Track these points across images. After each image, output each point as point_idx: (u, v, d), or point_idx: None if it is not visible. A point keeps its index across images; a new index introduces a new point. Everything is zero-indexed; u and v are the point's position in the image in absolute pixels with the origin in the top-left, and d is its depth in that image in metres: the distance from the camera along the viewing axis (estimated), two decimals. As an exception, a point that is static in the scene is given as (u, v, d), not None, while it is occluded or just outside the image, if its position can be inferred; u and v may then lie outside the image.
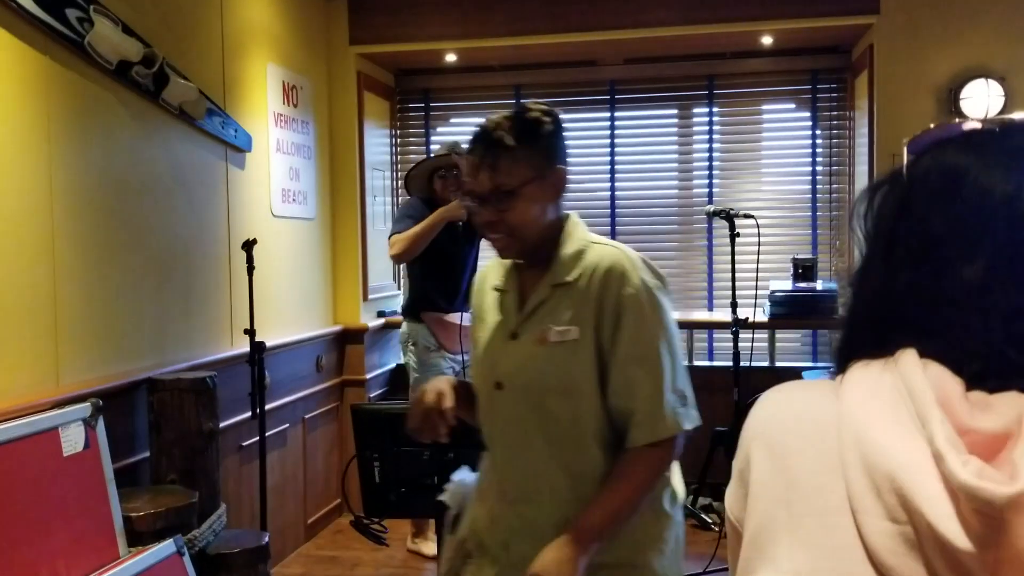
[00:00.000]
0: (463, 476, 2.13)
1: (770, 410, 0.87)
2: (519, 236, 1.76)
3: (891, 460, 0.72)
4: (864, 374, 0.80)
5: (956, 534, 0.68)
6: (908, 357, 0.77)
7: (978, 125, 0.87)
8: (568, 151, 1.83)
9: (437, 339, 4.35)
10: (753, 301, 4.38)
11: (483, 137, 1.75)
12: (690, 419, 1.76)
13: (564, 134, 1.81)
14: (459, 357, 4.33)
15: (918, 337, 0.79)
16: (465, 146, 4.45)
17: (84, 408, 2.64)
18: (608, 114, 5.48)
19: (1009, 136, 0.84)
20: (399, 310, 5.48)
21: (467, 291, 4.34)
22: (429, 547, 4.32)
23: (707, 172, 5.38)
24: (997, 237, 0.78)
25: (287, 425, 4.42)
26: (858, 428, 0.76)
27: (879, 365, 0.80)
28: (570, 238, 1.80)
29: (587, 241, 1.80)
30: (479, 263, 4.42)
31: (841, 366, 0.84)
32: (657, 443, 1.73)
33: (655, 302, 1.74)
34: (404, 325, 4.48)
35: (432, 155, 4.50)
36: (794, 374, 4.70)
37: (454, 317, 4.29)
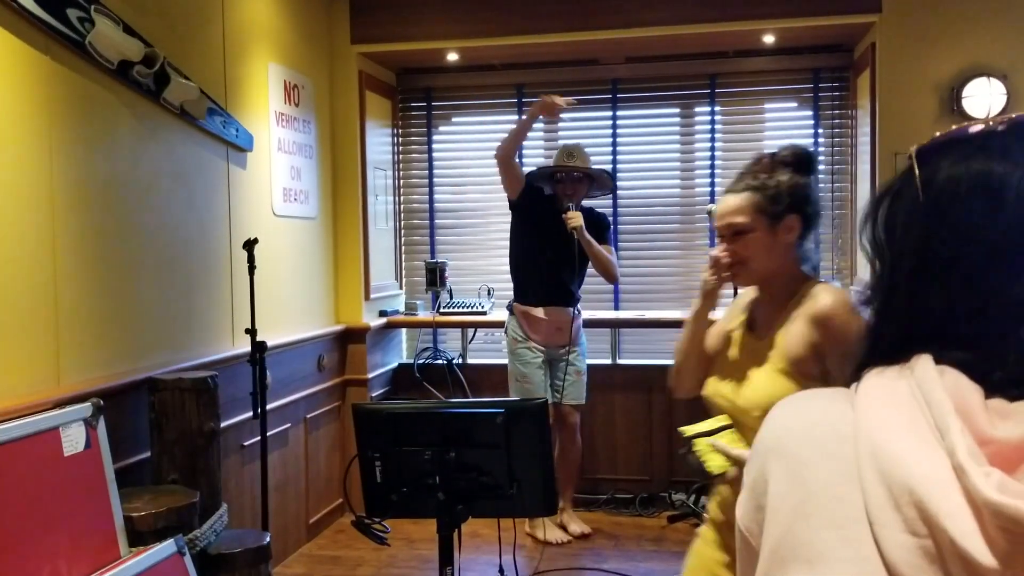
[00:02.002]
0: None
1: (784, 421, 0.85)
2: None
3: (909, 472, 0.71)
4: (879, 381, 0.78)
5: (981, 551, 0.66)
6: (924, 363, 0.75)
7: (981, 126, 0.82)
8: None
9: (524, 330, 4.58)
10: (755, 300, 4.37)
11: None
12: None
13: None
14: (550, 349, 4.59)
15: (944, 346, 0.76)
16: (579, 147, 4.49)
17: (85, 408, 2.64)
18: (610, 113, 5.47)
19: None
20: (401, 309, 5.51)
21: (562, 287, 4.54)
22: (552, 532, 4.51)
23: (709, 171, 5.37)
24: None
25: (288, 425, 4.42)
26: (874, 438, 0.74)
27: (894, 372, 0.78)
28: None
29: None
30: (578, 263, 4.55)
31: (856, 374, 0.82)
32: None
33: None
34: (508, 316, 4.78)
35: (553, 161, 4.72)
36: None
37: (540, 311, 4.57)
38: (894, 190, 0.84)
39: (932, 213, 0.80)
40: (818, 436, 0.80)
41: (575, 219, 4.41)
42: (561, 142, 4.91)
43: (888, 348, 0.81)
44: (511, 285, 4.81)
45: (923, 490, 0.69)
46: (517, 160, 4.75)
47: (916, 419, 0.73)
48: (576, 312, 4.65)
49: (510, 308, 4.71)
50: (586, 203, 4.69)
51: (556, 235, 4.47)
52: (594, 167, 4.68)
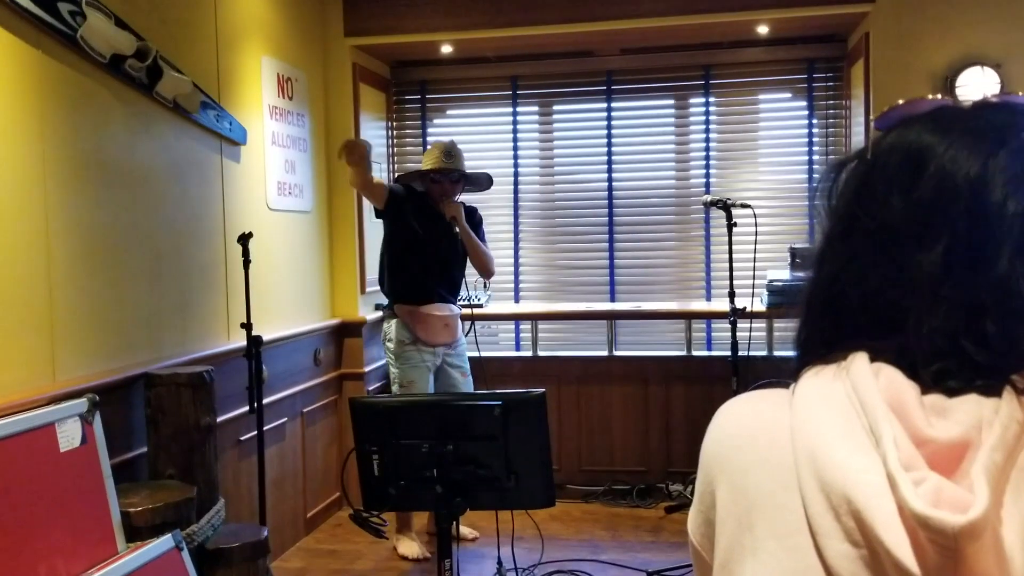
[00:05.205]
0: None
1: (725, 429, 0.84)
2: None
3: (846, 480, 0.70)
4: (815, 383, 0.77)
5: (913, 562, 0.66)
6: (859, 363, 0.74)
7: (949, 101, 0.83)
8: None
9: (412, 332, 4.31)
10: (751, 291, 4.38)
11: None
12: None
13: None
14: (438, 349, 4.35)
15: (873, 334, 0.75)
16: (455, 146, 4.29)
17: (81, 403, 2.63)
18: (605, 105, 5.47)
19: (979, 113, 0.79)
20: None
21: (447, 282, 4.38)
22: (407, 547, 4.26)
23: (704, 162, 5.37)
24: (956, 226, 0.74)
25: (285, 419, 4.41)
26: (811, 444, 0.73)
27: (831, 372, 0.77)
28: None
29: None
30: (463, 256, 4.39)
31: (797, 367, 0.81)
32: None
33: None
34: (383, 322, 4.49)
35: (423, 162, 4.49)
36: (792, 363, 4.70)
37: (429, 308, 4.31)
38: (857, 155, 0.84)
39: (863, 178, 0.81)
40: (757, 443, 0.79)
41: (453, 208, 4.24)
42: (444, 139, 4.55)
43: (821, 336, 0.80)
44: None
45: (860, 500, 0.68)
46: (375, 175, 4.47)
47: (852, 424, 0.72)
48: (459, 308, 4.45)
49: (389, 309, 4.41)
50: (464, 197, 4.48)
51: (437, 230, 4.27)
52: (470, 170, 4.46)
